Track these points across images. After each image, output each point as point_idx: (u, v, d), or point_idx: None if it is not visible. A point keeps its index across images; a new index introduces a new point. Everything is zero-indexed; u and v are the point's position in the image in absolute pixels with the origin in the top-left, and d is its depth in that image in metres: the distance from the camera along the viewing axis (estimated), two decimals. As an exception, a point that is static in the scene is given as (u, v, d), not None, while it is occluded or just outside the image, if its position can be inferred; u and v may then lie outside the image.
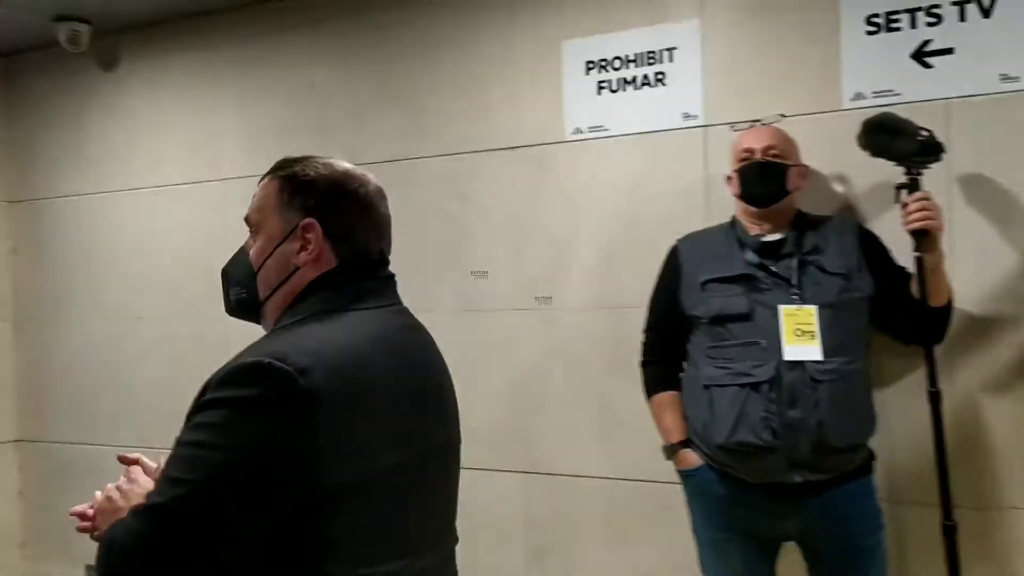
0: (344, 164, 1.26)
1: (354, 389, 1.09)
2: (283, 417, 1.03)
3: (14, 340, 3.82)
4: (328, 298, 1.19)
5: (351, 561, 1.08)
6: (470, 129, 2.93)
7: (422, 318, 1.33)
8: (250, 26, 3.31)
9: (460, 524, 1.34)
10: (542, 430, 2.84)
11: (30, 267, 3.83)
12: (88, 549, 1.16)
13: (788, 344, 2.04)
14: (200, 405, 1.09)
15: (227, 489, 1.03)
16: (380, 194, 1.27)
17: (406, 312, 1.30)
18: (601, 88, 2.73)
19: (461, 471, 1.34)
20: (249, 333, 1.26)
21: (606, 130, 2.73)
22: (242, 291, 1.29)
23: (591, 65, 2.74)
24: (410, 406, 1.19)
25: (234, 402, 1.05)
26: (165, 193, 3.52)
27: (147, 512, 1.06)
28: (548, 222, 2.82)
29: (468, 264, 2.94)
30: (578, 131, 2.77)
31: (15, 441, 3.76)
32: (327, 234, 1.20)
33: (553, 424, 2.82)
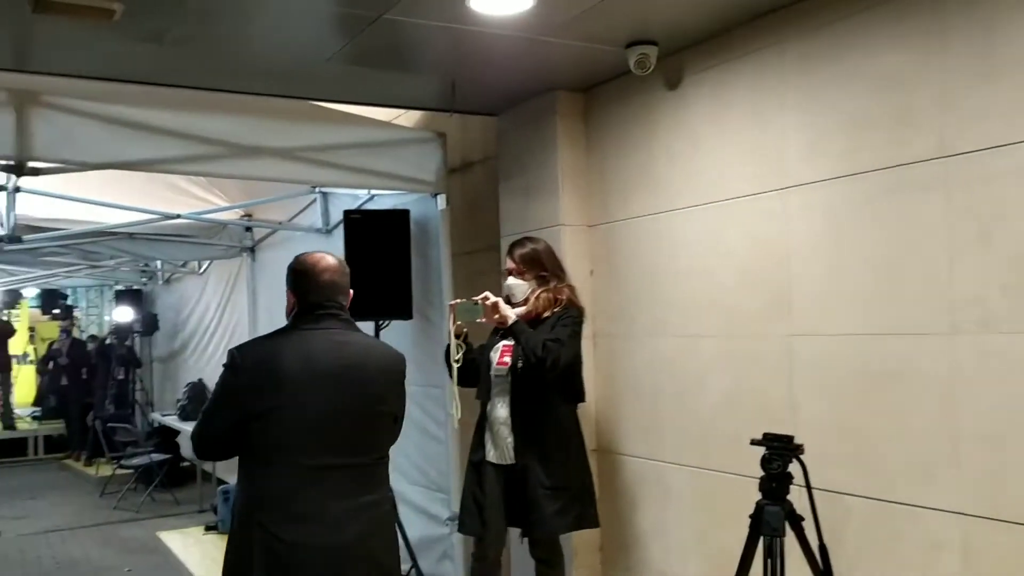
0: (315, 254, 2.50)
1: (262, 364, 2.32)
2: (229, 373, 2.32)
3: (593, 356, 4.08)
4: (291, 323, 2.45)
5: (264, 453, 2.29)
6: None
7: None
8: (818, 16, 3.01)
9: None
10: None
11: (605, 287, 4.06)
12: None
13: None
14: None
15: (216, 404, 2.37)
16: (329, 269, 2.45)
17: (340, 333, 2.43)
18: None
19: None
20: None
21: None
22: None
23: None
24: (308, 378, 2.32)
25: (224, 366, 2.36)
26: (727, 207, 3.40)
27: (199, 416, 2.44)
28: None
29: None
30: None
31: (593, 450, 4.00)
32: (295, 295, 2.46)
33: None
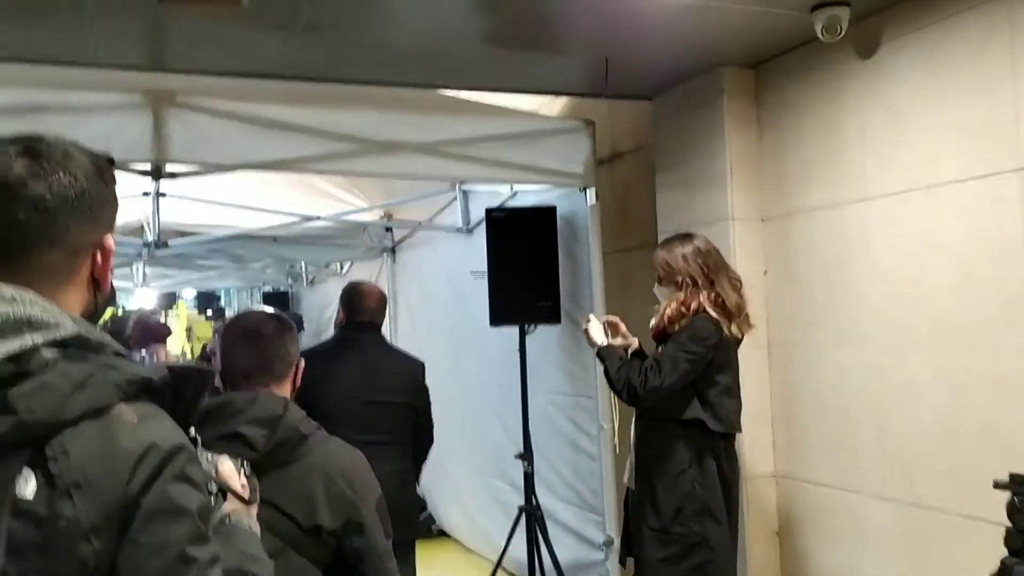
0: (367, 285, 3.80)
1: (321, 360, 3.21)
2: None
3: (768, 367, 3.59)
4: (338, 332, 3.67)
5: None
6: None
7: None
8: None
9: None
10: None
11: (780, 289, 3.56)
12: None
13: None
14: None
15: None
16: (374, 296, 3.65)
17: (383, 343, 3.69)
18: None
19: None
20: None
21: None
22: None
23: None
24: (356, 377, 3.39)
25: None
26: (938, 193, 2.85)
27: None
28: None
29: None
30: None
31: (772, 476, 3.51)
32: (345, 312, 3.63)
33: None
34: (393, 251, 7.10)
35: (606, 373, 3.12)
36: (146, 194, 4.50)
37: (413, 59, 3.49)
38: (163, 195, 4.91)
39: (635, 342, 3.25)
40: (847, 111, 3.20)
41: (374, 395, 3.41)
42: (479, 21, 3.03)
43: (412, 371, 3.62)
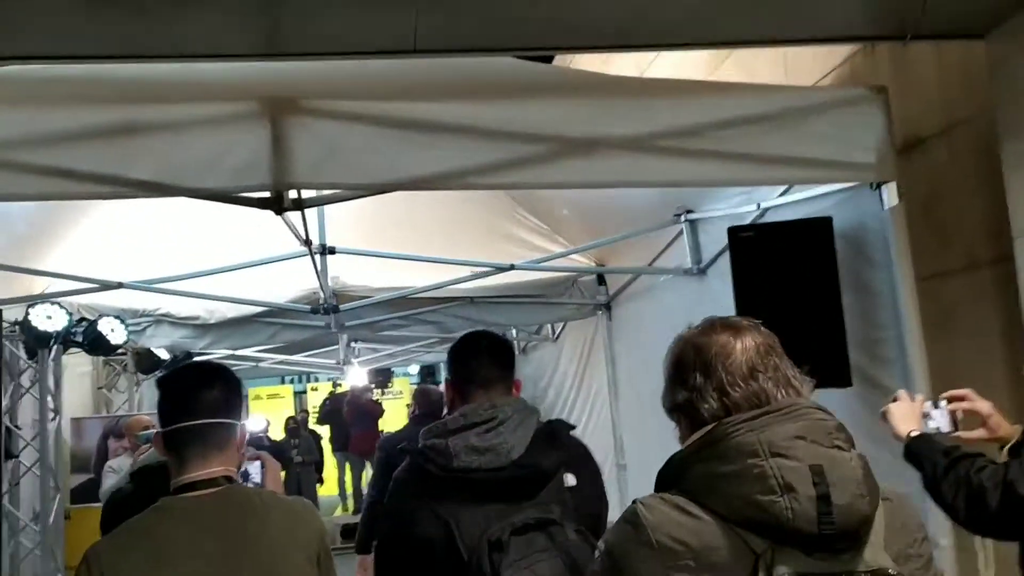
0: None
1: None
2: None
3: None
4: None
5: None
6: None
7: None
8: None
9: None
10: None
11: None
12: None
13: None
14: None
15: None
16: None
17: None
18: None
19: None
20: None
21: None
22: None
23: None
24: None
25: None
26: None
27: None
28: None
29: None
30: None
31: None
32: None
33: None
34: (608, 307, 5.98)
35: (925, 479, 1.99)
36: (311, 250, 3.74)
37: (618, 17, 2.42)
38: (332, 251, 4.16)
39: (1015, 431, 1.95)
40: None
41: None
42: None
43: None
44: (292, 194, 2.60)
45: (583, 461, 2.10)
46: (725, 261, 4.15)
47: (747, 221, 3.78)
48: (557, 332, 7.75)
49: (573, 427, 2.14)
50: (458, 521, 1.83)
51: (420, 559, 1.86)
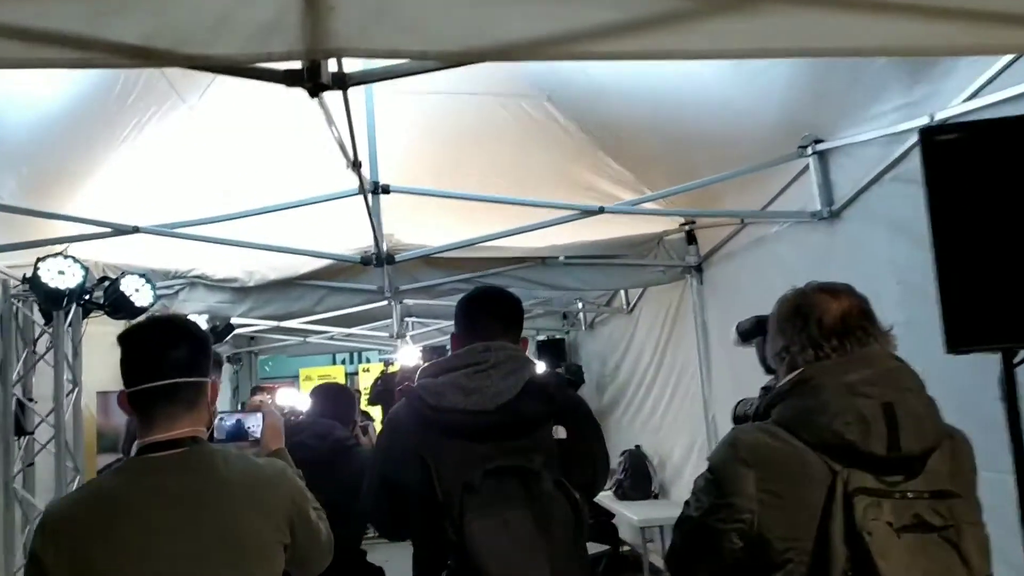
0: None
1: None
2: None
3: None
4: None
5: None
6: None
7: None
8: None
9: None
10: None
11: None
12: None
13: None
14: None
15: None
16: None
17: None
18: None
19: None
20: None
21: None
22: None
23: None
24: None
25: None
26: None
27: None
28: None
29: None
30: None
31: None
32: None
33: None
34: (699, 268, 5.19)
35: None
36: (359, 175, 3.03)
37: None
38: (386, 190, 3.46)
39: None
40: None
41: None
42: None
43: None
44: (331, 66, 1.88)
45: (576, 416, 2.11)
46: (867, 201, 3.38)
47: (904, 147, 2.99)
48: (632, 302, 6.97)
49: (573, 382, 1.86)
50: (437, 460, 1.89)
51: (398, 499, 1.99)
